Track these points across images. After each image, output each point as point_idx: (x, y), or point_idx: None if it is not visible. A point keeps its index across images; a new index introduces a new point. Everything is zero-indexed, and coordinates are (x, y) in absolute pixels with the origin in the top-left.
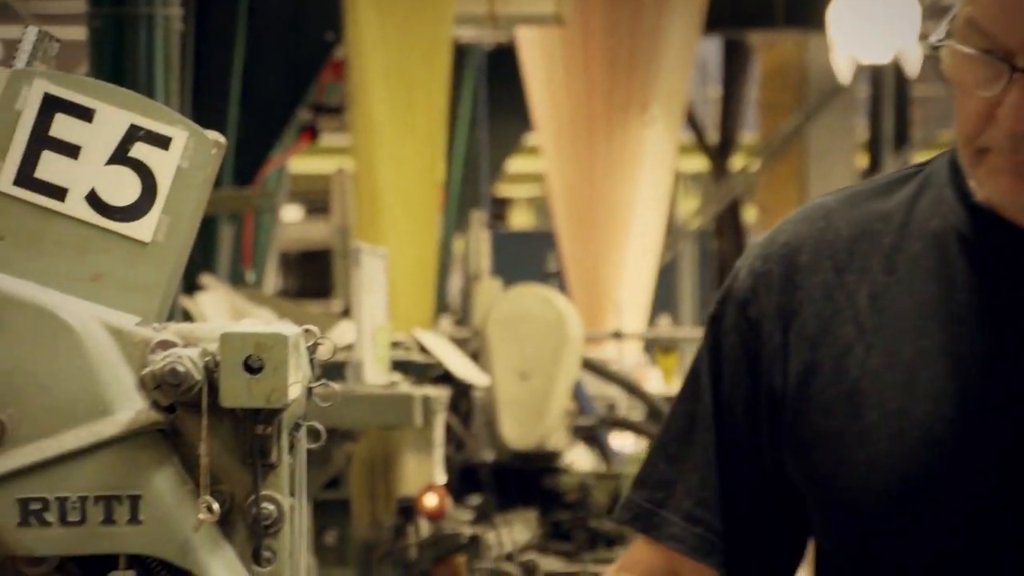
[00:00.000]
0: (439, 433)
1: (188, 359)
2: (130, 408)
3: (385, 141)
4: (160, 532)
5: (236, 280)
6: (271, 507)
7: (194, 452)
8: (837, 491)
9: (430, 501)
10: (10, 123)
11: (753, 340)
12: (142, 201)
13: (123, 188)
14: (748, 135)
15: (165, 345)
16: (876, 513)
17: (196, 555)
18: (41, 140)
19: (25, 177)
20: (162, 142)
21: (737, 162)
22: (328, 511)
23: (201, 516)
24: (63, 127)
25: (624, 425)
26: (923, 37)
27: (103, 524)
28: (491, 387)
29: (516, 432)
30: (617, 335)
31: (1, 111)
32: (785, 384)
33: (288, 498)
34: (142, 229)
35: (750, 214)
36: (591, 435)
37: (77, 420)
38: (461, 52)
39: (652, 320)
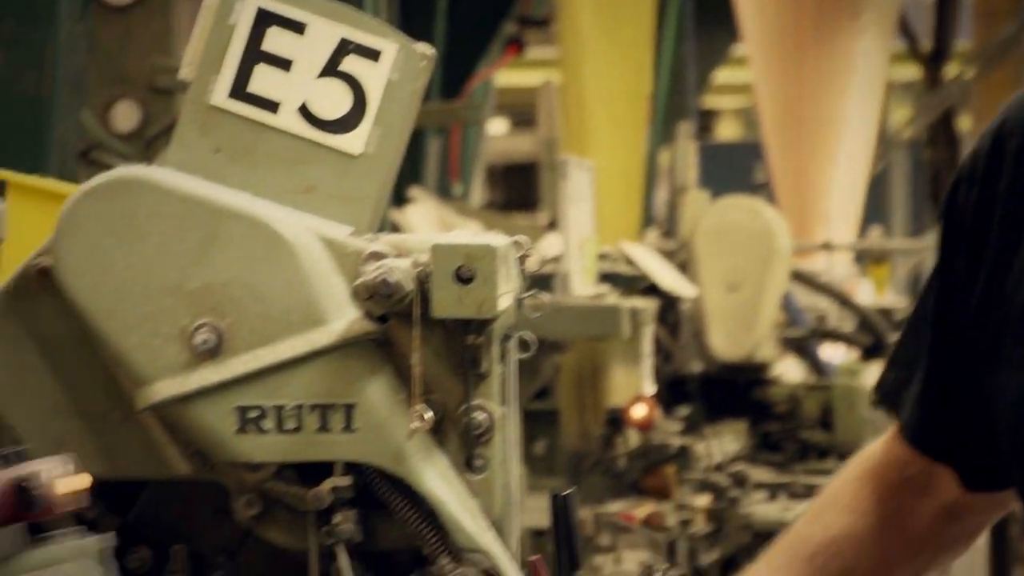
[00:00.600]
0: (647, 344)
1: (400, 270)
2: (343, 318)
3: (591, 53)
4: (374, 440)
5: (443, 193)
6: (483, 416)
7: (406, 362)
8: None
9: (639, 412)
10: (224, 37)
11: (972, 223)
12: (353, 114)
13: (334, 101)
14: (962, 42)
15: (377, 256)
16: None
17: (409, 463)
18: (254, 54)
19: (239, 91)
20: (372, 55)
21: (951, 70)
22: (537, 421)
23: (414, 425)
24: (276, 41)
25: (834, 336)
26: None
27: (318, 432)
28: (699, 299)
29: (725, 344)
30: (826, 246)
31: (215, 26)
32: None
33: (499, 407)
34: (353, 141)
35: (965, 123)
36: (801, 347)
37: (292, 330)
38: None
39: (863, 231)
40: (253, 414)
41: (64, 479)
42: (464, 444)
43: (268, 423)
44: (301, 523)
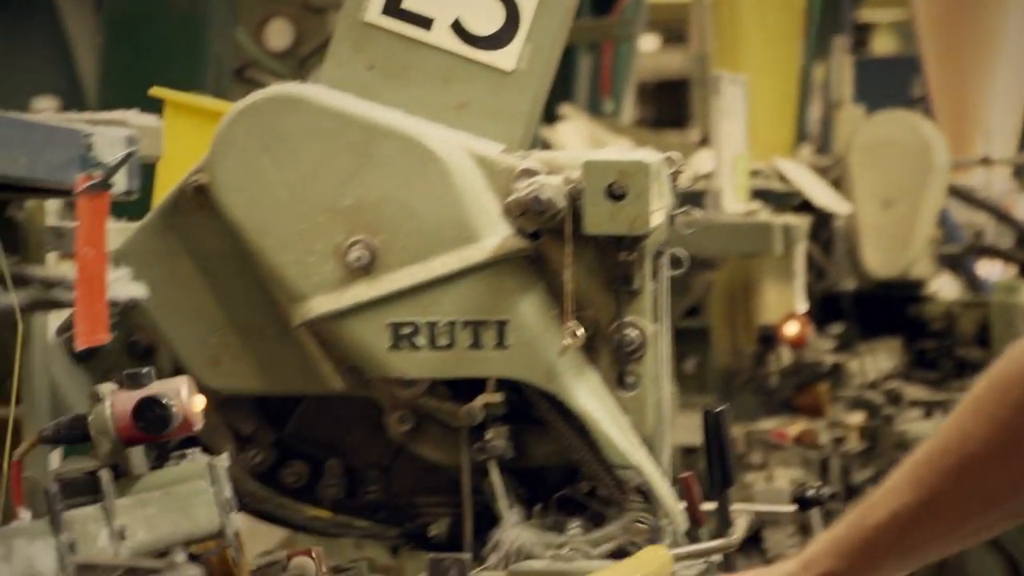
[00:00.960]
0: (800, 261)
1: (552, 186)
2: (496, 235)
3: None
4: (526, 356)
5: (594, 110)
6: (635, 332)
7: (558, 279)
8: None
9: (791, 329)
10: None
11: None
12: (505, 30)
13: (487, 17)
14: None
15: (529, 173)
16: None
17: (561, 379)
18: None
19: (393, 7)
20: None
21: None
22: (688, 339)
23: (566, 341)
24: None
25: (992, 252)
26: None
27: (471, 348)
28: (853, 215)
29: (879, 260)
30: (985, 161)
31: None
32: None
33: (651, 324)
34: (506, 58)
35: None
36: (957, 263)
37: (444, 246)
38: None
39: (1022, 146)
40: (406, 330)
41: (187, 400)
42: (616, 361)
43: (421, 339)
44: (453, 439)
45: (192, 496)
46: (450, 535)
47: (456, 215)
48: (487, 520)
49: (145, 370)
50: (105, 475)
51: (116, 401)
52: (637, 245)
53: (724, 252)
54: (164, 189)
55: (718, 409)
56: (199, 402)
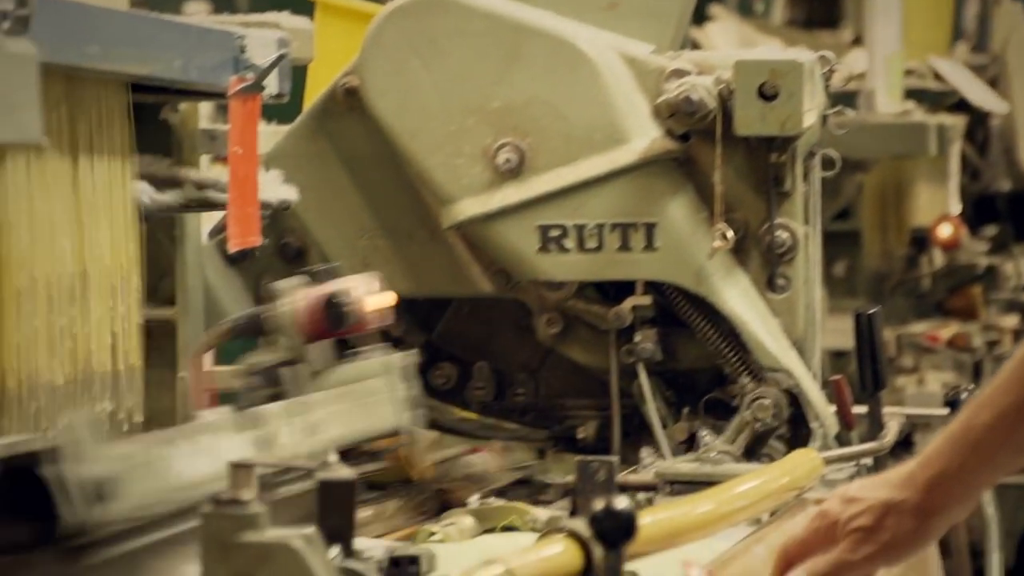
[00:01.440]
0: (954, 162)
1: (703, 87)
2: (645, 136)
3: None
4: (675, 259)
5: (744, 10)
6: (785, 234)
7: (708, 180)
8: None
9: (944, 231)
10: None
11: None
12: None
13: None
14: None
15: (679, 73)
16: None
17: (710, 281)
18: None
19: None
20: None
21: None
22: (838, 242)
23: (716, 243)
24: None
25: None
26: None
27: (619, 251)
28: (1009, 114)
29: None
30: None
31: None
32: None
33: (802, 226)
34: None
35: None
36: None
37: (593, 148)
38: None
39: None
40: (555, 233)
41: (371, 297)
42: (766, 263)
43: (569, 242)
44: (601, 342)
45: (375, 393)
46: (598, 438)
47: (605, 117)
48: (635, 423)
49: (328, 266)
50: (291, 370)
51: (299, 297)
52: (788, 146)
53: (876, 153)
54: (315, 92)
55: (870, 311)
56: (383, 300)
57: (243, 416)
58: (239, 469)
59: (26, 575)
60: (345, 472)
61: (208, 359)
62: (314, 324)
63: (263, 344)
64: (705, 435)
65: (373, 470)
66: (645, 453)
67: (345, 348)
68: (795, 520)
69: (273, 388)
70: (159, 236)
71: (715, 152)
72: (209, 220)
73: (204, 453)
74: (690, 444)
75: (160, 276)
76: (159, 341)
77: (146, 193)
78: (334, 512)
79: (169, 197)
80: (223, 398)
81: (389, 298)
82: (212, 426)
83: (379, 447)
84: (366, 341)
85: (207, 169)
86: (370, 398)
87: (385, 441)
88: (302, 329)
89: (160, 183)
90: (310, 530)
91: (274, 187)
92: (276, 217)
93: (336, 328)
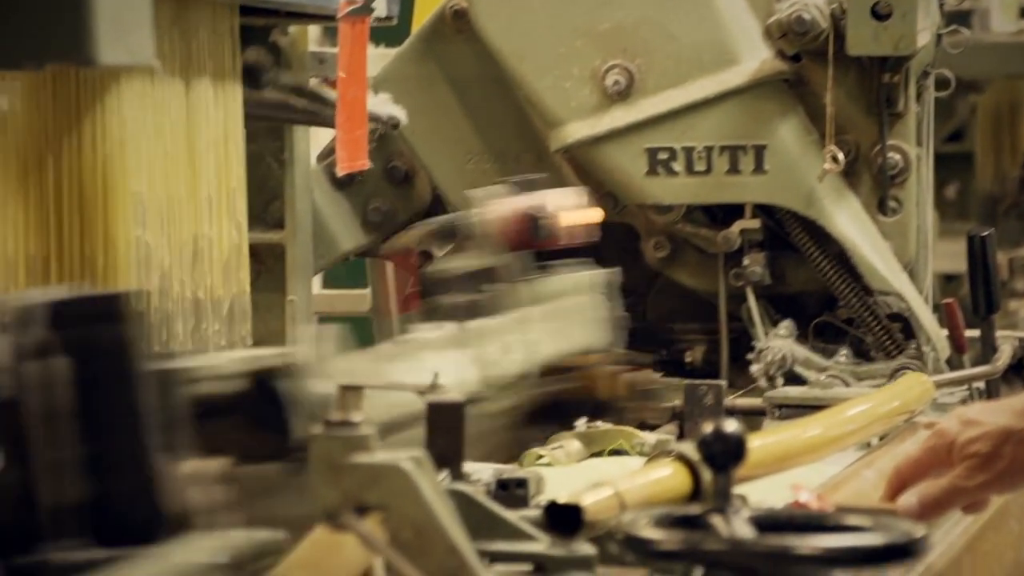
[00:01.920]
0: None
1: (815, 7)
2: (755, 57)
3: None
4: (784, 182)
5: None
6: (897, 156)
7: (819, 102)
8: None
9: None
10: None
11: None
12: None
13: None
14: None
15: None
16: None
17: (820, 204)
18: None
19: None
20: None
21: None
22: (950, 164)
23: (826, 166)
24: None
25: None
26: None
27: (728, 173)
28: None
29: None
30: None
31: None
32: None
33: (914, 147)
34: None
35: None
36: None
37: (703, 70)
38: None
39: None
40: (663, 155)
41: (572, 212)
42: (877, 185)
43: (678, 164)
44: (710, 265)
45: (581, 310)
46: (705, 361)
47: (715, 37)
48: (743, 347)
49: (532, 177)
50: (496, 276)
51: (501, 206)
52: (902, 66)
53: (991, 73)
54: (423, 15)
55: (983, 234)
56: (585, 215)
57: (462, 332)
58: (348, 391)
59: (257, 486)
60: (454, 395)
61: (317, 281)
62: (515, 234)
63: (458, 251)
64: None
65: (562, 388)
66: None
67: (542, 261)
68: (905, 444)
69: (475, 296)
70: (268, 159)
71: (827, 73)
72: (317, 144)
73: (425, 369)
74: None
75: (269, 200)
76: (268, 264)
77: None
78: (443, 435)
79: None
80: (336, 321)
81: (593, 214)
82: (433, 343)
83: (578, 363)
84: (565, 255)
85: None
86: (575, 315)
87: (578, 359)
88: (502, 238)
89: (270, 106)
90: (419, 452)
91: (383, 110)
92: (384, 140)
93: (535, 240)
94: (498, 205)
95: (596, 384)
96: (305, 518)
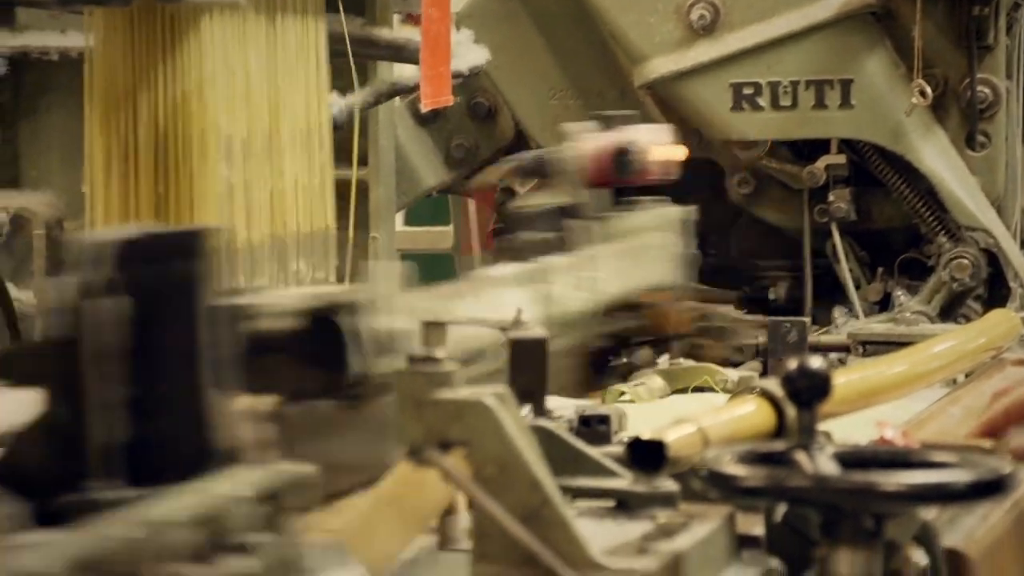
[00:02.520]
0: None
1: None
2: None
3: None
4: (871, 116)
5: None
6: (987, 90)
7: (907, 35)
8: None
9: None
10: None
11: None
12: None
13: None
14: None
15: None
16: None
17: (908, 139)
18: None
19: None
20: None
21: None
22: None
23: (914, 100)
24: None
25: None
26: None
27: (814, 108)
28: None
29: None
30: None
31: None
32: None
33: (1004, 81)
34: None
35: None
36: None
37: (789, 4)
38: None
39: None
40: (748, 91)
41: (659, 148)
42: (966, 120)
43: (763, 100)
44: (794, 201)
45: (652, 248)
46: (789, 298)
47: None
48: (827, 283)
49: (620, 113)
50: (575, 216)
51: (587, 142)
52: None
53: None
54: None
55: None
56: (671, 152)
57: (527, 270)
58: (431, 327)
59: (310, 422)
60: (537, 330)
61: (400, 218)
62: (600, 170)
63: (541, 187)
64: (900, 295)
65: (630, 324)
66: (838, 313)
67: (622, 197)
68: (992, 381)
69: (554, 232)
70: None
71: (915, 5)
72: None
73: (488, 307)
74: (884, 305)
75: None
76: (352, 201)
77: (336, 104)
78: (526, 370)
79: (357, 98)
80: (419, 258)
81: (678, 151)
82: (498, 280)
83: (646, 300)
84: (646, 192)
85: (400, 29)
86: (648, 253)
87: (647, 296)
88: (587, 174)
89: (353, 42)
90: (503, 388)
91: (466, 47)
92: (467, 77)
93: (622, 176)
94: (585, 141)
95: (664, 321)
96: (362, 454)
